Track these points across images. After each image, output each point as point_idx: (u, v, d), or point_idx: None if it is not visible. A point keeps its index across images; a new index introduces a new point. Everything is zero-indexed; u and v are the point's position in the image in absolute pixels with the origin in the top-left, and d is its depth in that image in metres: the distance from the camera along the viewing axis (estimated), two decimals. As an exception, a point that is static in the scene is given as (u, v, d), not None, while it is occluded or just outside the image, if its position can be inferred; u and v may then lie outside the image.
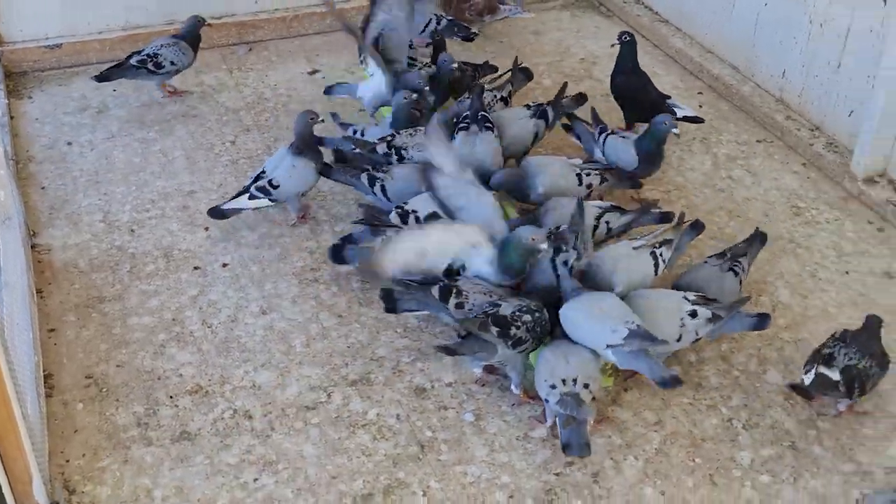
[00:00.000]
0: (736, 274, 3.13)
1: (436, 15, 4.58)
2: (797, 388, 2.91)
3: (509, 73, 4.14)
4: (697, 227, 3.31)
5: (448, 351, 2.87)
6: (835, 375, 2.77)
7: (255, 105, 4.45)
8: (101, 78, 4.24)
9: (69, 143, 4.15)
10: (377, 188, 3.44)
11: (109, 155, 4.08)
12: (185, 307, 3.27)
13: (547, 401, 2.76)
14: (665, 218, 3.39)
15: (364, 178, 3.46)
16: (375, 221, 3.31)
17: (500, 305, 2.86)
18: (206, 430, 2.83)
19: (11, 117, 4.29)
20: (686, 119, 4.05)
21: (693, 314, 2.87)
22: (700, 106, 4.50)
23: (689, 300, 2.93)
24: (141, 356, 3.07)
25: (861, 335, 2.88)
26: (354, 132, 3.80)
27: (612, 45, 4.16)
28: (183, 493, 2.65)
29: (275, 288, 3.36)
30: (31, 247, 3.49)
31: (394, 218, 3.30)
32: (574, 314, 2.86)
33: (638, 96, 4.09)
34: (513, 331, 2.80)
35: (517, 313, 2.83)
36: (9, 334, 2.65)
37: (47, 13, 4.64)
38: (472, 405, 2.93)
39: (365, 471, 2.72)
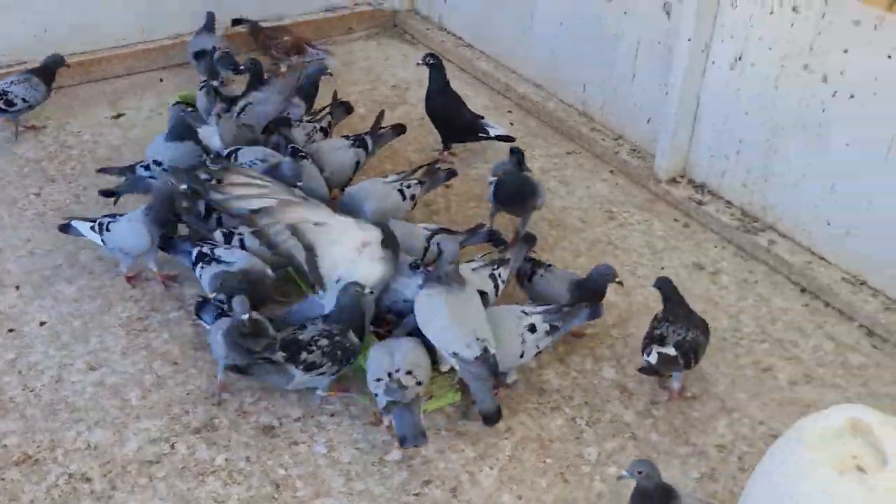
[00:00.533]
0: (494, 279, 3.19)
1: (214, 47, 4.52)
2: (647, 370, 3.04)
3: (329, 107, 4.14)
4: (529, 240, 3.40)
5: (238, 370, 2.88)
6: (671, 352, 2.95)
7: (57, 154, 4.22)
8: None
9: None
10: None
11: None
12: (2, 373, 3.05)
13: (376, 394, 2.80)
14: (493, 237, 3.49)
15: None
16: (199, 238, 3.32)
17: (304, 329, 2.90)
18: (39, 501, 2.64)
19: None
20: (499, 138, 4.20)
21: (532, 328, 2.97)
22: (511, 123, 4.67)
23: (526, 313, 3.02)
24: (-44, 430, 2.84)
25: (676, 310, 3.07)
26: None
27: (418, 65, 4.26)
28: (21, 571, 2.46)
29: (101, 342, 3.20)
30: None
31: (218, 236, 3.32)
32: (434, 303, 2.91)
33: (452, 117, 4.20)
34: (304, 355, 2.83)
35: (316, 337, 2.86)
36: None
37: None
38: (322, 437, 2.89)
39: (219, 519, 2.62)
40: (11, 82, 4.15)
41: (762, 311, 3.51)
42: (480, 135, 4.21)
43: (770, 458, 2.01)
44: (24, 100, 4.14)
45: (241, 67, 4.33)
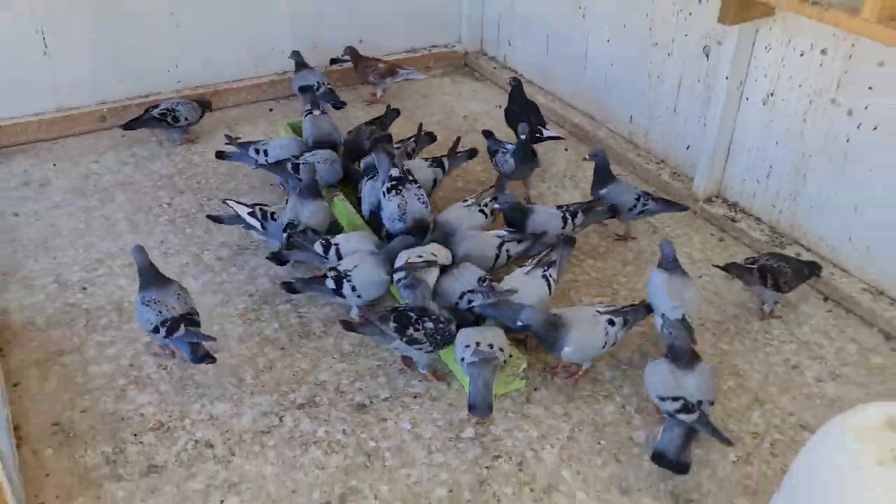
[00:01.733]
0: (547, 280, 3.15)
1: (318, 81, 4.55)
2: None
3: (415, 136, 4.10)
4: (570, 242, 3.30)
5: (350, 327, 2.91)
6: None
7: (185, 170, 4.28)
8: (127, 127, 4.33)
9: (16, 215, 3.89)
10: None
11: (55, 223, 3.83)
12: (140, 353, 3.09)
13: (462, 359, 2.78)
14: (570, 242, 3.33)
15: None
16: (298, 245, 3.30)
17: (416, 308, 2.89)
18: (171, 462, 2.66)
19: (-43, 196, 3.99)
20: (550, 138, 4.16)
21: (611, 322, 2.93)
22: (566, 149, 4.60)
23: (599, 311, 2.96)
24: (103, 401, 2.88)
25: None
26: (257, 150, 3.91)
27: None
28: (156, 521, 2.48)
29: (221, 329, 3.22)
30: (-12, 311, 3.24)
31: (318, 247, 3.27)
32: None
33: (522, 120, 4.14)
34: (410, 331, 2.82)
35: (424, 318, 2.85)
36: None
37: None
38: (407, 416, 2.87)
39: (321, 482, 2.61)
40: (178, 103, 4.40)
41: (790, 316, 3.39)
42: (536, 135, 4.16)
43: (810, 451, 1.91)
44: (186, 118, 4.39)
45: (343, 102, 4.37)
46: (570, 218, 3.51)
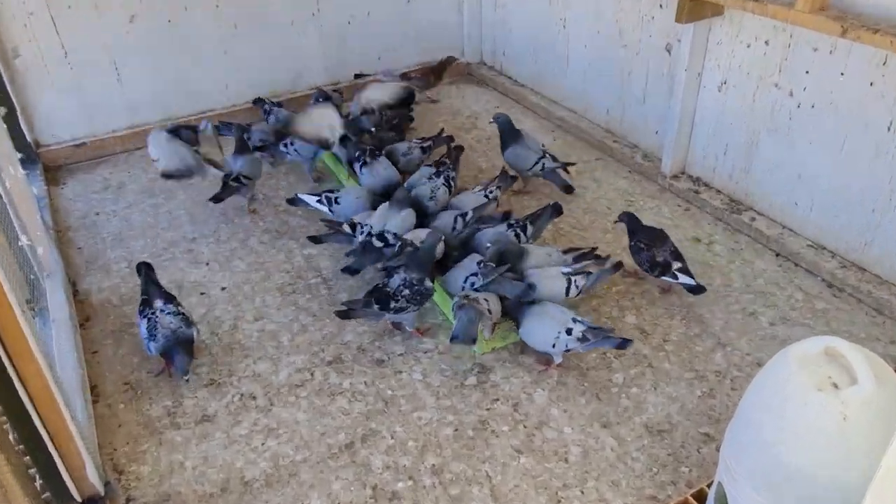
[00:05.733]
0: (517, 235, 3.00)
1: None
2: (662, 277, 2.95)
3: (433, 138, 3.91)
4: (618, 267, 2.94)
5: (343, 314, 2.80)
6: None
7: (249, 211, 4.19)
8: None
9: (97, 214, 3.83)
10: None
11: (129, 219, 3.77)
12: (196, 323, 3.01)
13: (452, 308, 2.67)
14: (617, 268, 2.96)
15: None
16: (333, 230, 3.19)
17: (390, 278, 2.75)
18: (221, 412, 2.59)
19: (51, 199, 3.94)
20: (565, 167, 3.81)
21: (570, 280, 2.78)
22: (553, 139, 4.44)
23: (563, 273, 2.82)
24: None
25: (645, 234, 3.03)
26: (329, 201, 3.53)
27: (490, 123, 3.97)
28: (208, 462, 2.41)
29: (263, 301, 3.14)
30: (74, 293, 3.18)
31: (346, 227, 3.15)
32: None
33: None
34: (392, 304, 2.71)
35: (400, 287, 2.73)
36: (57, 357, 2.37)
37: (71, 120, 4.29)
38: (419, 368, 2.77)
39: (346, 426, 2.52)
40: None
41: (747, 270, 3.22)
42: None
43: (760, 379, 1.78)
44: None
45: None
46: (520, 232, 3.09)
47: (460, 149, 3.80)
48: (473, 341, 2.64)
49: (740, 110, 3.43)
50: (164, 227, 3.69)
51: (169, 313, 2.70)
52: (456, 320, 2.69)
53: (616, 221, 3.27)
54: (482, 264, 2.82)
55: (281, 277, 3.29)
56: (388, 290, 2.75)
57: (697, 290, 2.94)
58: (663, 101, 3.86)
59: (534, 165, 3.68)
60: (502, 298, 2.79)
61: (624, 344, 2.59)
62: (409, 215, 3.12)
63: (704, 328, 2.91)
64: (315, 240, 3.23)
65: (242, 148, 3.74)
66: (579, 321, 2.61)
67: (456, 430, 2.51)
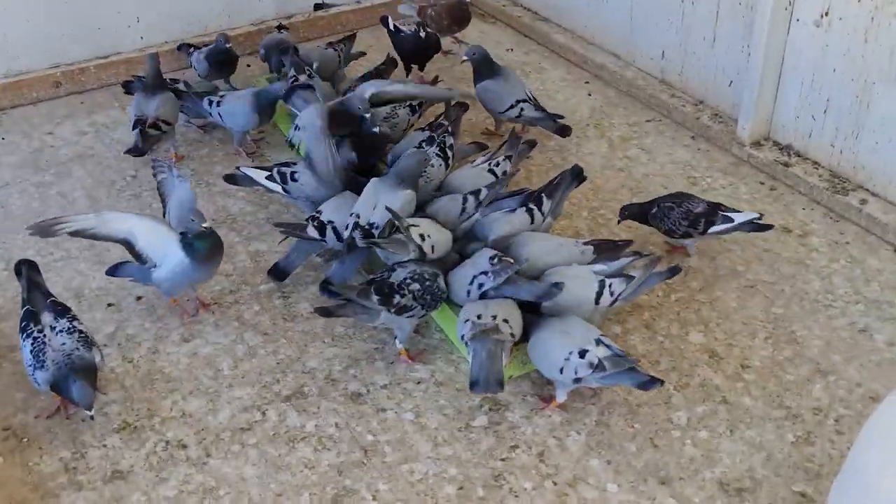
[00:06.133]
0: (531, 213, 3.12)
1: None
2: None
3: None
4: (675, 272, 2.97)
5: (325, 312, 2.85)
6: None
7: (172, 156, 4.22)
8: None
9: (-40, 197, 3.85)
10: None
11: (5, 203, 3.79)
12: (102, 345, 3.03)
13: (462, 337, 2.73)
14: (673, 272, 2.96)
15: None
16: (294, 232, 3.25)
17: (393, 271, 2.83)
18: (138, 466, 2.61)
19: None
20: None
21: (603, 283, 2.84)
22: (589, 94, 4.49)
23: (596, 273, 2.88)
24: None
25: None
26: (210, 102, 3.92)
27: (464, 62, 4.05)
28: (122, 534, 2.44)
29: (195, 316, 3.16)
30: (-69, 305, 3.21)
31: (311, 231, 3.20)
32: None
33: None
34: (396, 299, 2.76)
35: (407, 280, 2.79)
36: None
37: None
38: (409, 404, 2.80)
39: (310, 483, 2.55)
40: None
41: (855, 272, 3.27)
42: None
43: (878, 419, 1.82)
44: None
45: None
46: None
47: (462, 107, 3.85)
48: (501, 385, 2.67)
49: (848, 53, 3.48)
50: (56, 214, 3.69)
51: (61, 331, 2.73)
52: (472, 357, 2.72)
53: (620, 220, 3.36)
54: (496, 259, 2.86)
55: (219, 282, 3.31)
56: (392, 281, 2.80)
57: (764, 227, 3.22)
58: (740, 40, 3.91)
59: (508, 109, 3.86)
60: (520, 305, 2.83)
61: (649, 384, 2.60)
62: (409, 198, 3.16)
63: (798, 350, 2.96)
64: (281, 276, 3.26)
65: (157, 84, 3.87)
66: (604, 343, 2.65)
67: (460, 488, 2.54)
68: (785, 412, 2.74)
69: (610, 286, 2.84)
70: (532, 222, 3.16)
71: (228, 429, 2.73)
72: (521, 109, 3.87)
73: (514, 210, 3.16)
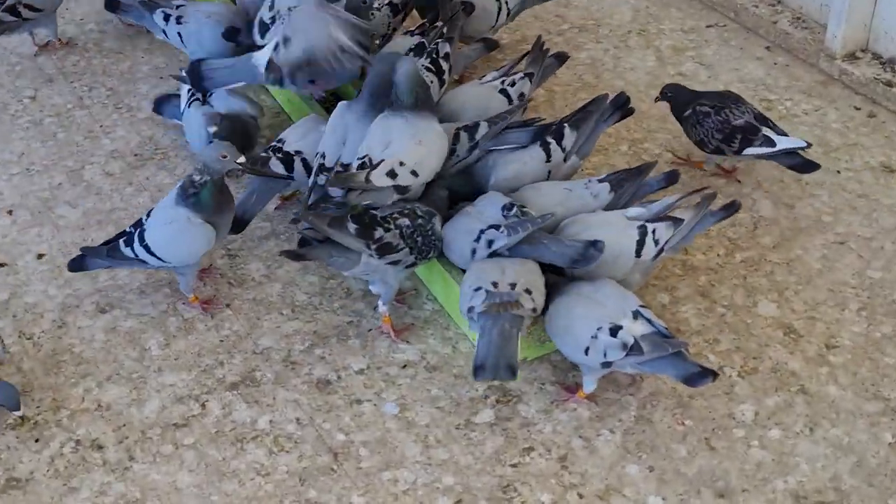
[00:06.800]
0: (546, 148, 3.13)
1: None
2: None
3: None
4: (733, 208, 2.95)
5: (294, 256, 2.90)
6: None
7: (56, 48, 4.22)
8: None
9: None
10: None
11: None
12: (-7, 317, 3.07)
13: (471, 310, 2.71)
14: (731, 209, 2.95)
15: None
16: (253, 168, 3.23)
17: (376, 207, 2.88)
18: (41, 473, 2.63)
19: None
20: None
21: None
22: (632, -9, 4.48)
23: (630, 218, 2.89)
24: (-60, 388, 2.85)
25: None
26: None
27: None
28: (20, 560, 2.47)
29: (112, 278, 3.18)
30: None
31: (275, 166, 3.21)
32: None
33: None
34: (379, 232, 2.80)
35: (394, 214, 2.83)
36: None
37: None
38: (393, 394, 2.82)
39: (264, 495, 2.58)
40: None
41: (980, 223, 3.30)
42: None
43: None
44: None
45: None
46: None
47: (468, 6, 3.83)
48: (513, 372, 2.68)
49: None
50: (-69, 148, 3.72)
51: None
52: (479, 335, 2.73)
53: (658, 99, 3.48)
54: (511, 209, 2.85)
55: (143, 236, 3.33)
56: (376, 213, 2.84)
57: (808, 165, 3.24)
58: (832, -81, 3.88)
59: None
60: (544, 269, 2.84)
61: (698, 378, 2.59)
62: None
63: (900, 325, 2.99)
64: (237, 226, 3.22)
65: None
66: (644, 317, 2.66)
67: (458, 501, 2.56)
68: (882, 405, 2.76)
69: (653, 233, 2.84)
70: (548, 161, 3.14)
71: (157, 425, 2.75)
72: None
73: (524, 146, 3.13)
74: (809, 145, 3.28)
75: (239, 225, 3.20)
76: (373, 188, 2.90)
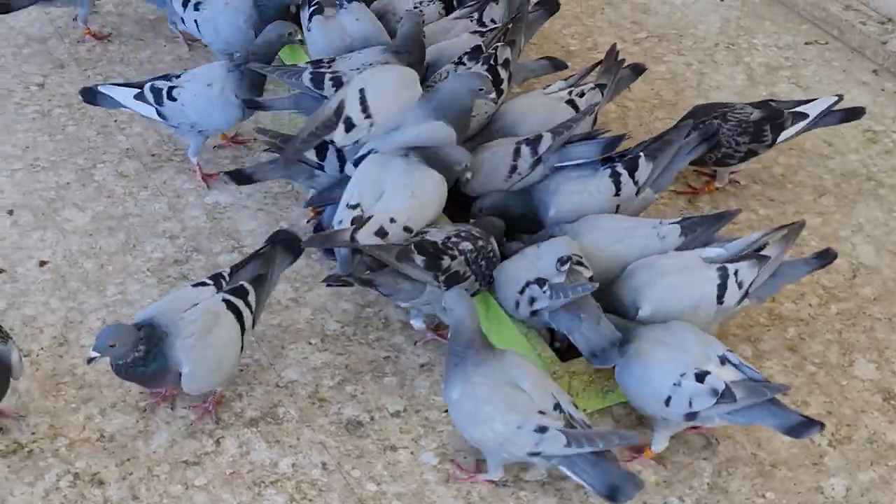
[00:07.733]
0: (616, 179, 3.16)
1: None
2: None
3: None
4: (828, 257, 2.96)
5: (359, 282, 2.94)
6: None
7: (68, 31, 4.29)
8: None
9: None
10: None
11: None
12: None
13: (534, 300, 2.84)
14: (825, 258, 2.97)
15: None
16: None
17: (426, 232, 2.96)
18: (34, 508, 2.67)
19: None
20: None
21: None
22: (722, 1, 4.50)
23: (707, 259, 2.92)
24: (-75, 408, 2.90)
25: None
26: None
27: None
28: None
29: (122, 291, 3.22)
30: None
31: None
32: None
33: None
34: (445, 261, 2.87)
35: (453, 239, 2.91)
36: None
37: None
38: (433, 441, 2.83)
39: (282, 548, 2.60)
40: None
41: None
42: None
43: None
44: None
45: None
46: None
47: (551, 4, 3.91)
48: (621, 344, 2.74)
49: None
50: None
51: None
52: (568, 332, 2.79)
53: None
54: (564, 262, 2.87)
55: (158, 247, 3.37)
56: (433, 239, 2.92)
57: (852, 113, 3.51)
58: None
59: None
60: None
61: (803, 429, 2.59)
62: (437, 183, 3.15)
63: None
64: (241, 178, 3.39)
65: None
66: (732, 362, 2.67)
67: (503, 570, 2.58)
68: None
69: (735, 274, 2.85)
70: (617, 194, 3.16)
71: (166, 461, 2.76)
72: None
73: (594, 170, 3.15)
74: (841, 98, 3.44)
75: (242, 178, 3.35)
76: (357, 248, 2.98)
